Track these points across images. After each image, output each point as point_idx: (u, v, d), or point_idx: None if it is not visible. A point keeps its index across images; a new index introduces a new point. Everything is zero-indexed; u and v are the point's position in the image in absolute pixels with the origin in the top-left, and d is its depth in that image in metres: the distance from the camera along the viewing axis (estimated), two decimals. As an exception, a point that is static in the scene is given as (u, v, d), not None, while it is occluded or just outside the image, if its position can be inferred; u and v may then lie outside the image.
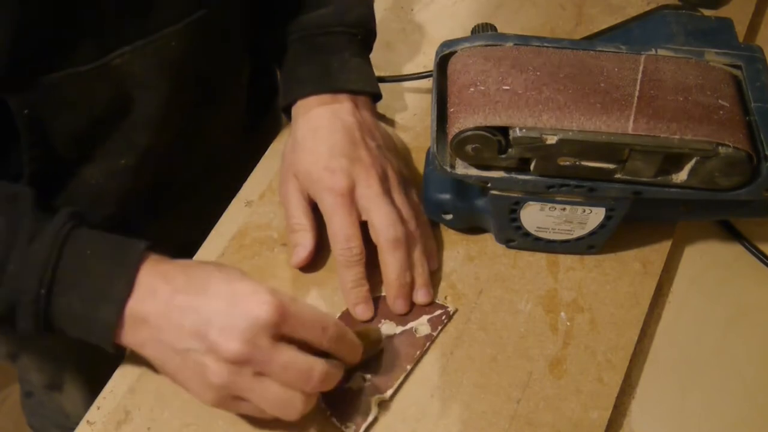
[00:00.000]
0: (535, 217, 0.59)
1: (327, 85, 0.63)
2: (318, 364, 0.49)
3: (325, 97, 0.63)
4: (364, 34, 0.68)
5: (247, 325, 0.47)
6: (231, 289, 0.49)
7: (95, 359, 0.81)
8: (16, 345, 0.88)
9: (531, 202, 0.58)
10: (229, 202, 0.67)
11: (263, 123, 0.83)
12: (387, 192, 0.60)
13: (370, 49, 0.70)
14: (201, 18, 0.59)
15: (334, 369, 0.51)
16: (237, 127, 0.75)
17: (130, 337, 0.50)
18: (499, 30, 0.60)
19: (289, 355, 0.48)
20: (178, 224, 0.72)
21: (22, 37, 0.51)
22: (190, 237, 0.64)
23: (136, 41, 0.57)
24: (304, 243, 0.61)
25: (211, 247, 0.64)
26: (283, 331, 0.48)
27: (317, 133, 0.61)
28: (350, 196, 0.59)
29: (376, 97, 0.67)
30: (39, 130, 0.56)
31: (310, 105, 0.63)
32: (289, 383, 0.48)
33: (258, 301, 0.47)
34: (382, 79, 0.70)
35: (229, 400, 0.49)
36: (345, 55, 0.65)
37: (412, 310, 0.60)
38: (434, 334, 0.59)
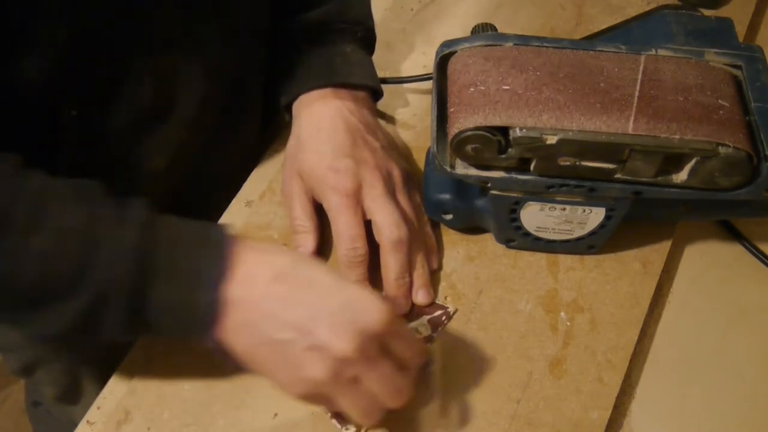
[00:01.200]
0: (535, 217, 0.59)
1: (328, 78, 0.63)
2: (409, 384, 0.50)
3: (326, 92, 0.63)
4: (364, 31, 0.68)
5: (361, 328, 0.46)
6: (342, 288, 0.48)
7: (110, 371, 0.81)
8: (31, 359, 0.88)
9: (531, 202, 0.58)
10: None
11: (273, 122, 0.83)
12: (391, 192, 0.60)
13: (371, 47, 0.70)
14: (242, 23, 0.61)
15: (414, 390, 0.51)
16: (257, 130, 0.76)
17: (227, 322, 0.47)
18: (499, 30, 0.60)
19: (390, 369, 0.48)
20: None
21: (80, 35, 0.50)
22: None
23: (183, 42, 0.57)
24: (306, 245, 0.61)
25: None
26: (386, 342, 0.48)
27: (320, 133, 0.61)
28: (356, 196, 0.59)
29: (377, 94, 0.67)
30: (83, 132, 0.56)
31: (311, 101, 0.63)
32: (380, 394, 0.48)
33: (375, 308, 0.47)
34: (384, 80, 0.70)
35: (316, 395, 0.49)
36: (346, 50, 0.65)
37: (413, 311, 0.60)
38: (434, 334, 0.59)
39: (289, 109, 0.66)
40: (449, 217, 0.62)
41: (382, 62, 0.76)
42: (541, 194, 0.56)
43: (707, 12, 0.67)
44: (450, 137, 0.53)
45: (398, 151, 0.67)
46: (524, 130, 0.51)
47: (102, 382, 0.91)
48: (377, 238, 0.59)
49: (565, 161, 0.53)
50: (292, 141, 0.64)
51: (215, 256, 0.47)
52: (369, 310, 0.47)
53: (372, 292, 0.49)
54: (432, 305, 0.60)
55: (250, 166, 0.71)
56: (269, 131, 0.75)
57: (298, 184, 0.62)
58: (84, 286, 0.45)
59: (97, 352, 0.84)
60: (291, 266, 0.49)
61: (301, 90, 0.64)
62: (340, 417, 0.54)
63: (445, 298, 0.61)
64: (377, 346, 0.47)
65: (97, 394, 0.93)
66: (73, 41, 0.50)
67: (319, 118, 0.62)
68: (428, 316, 0.60)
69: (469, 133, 0.52)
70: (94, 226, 0.46)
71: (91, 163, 0.58)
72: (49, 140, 0.55)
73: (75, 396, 0.94)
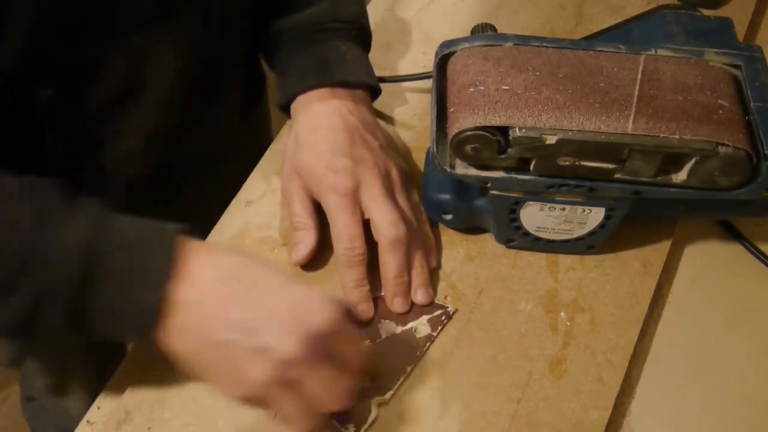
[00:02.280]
0: (534, 217, 0.59)
1: (325, 78, 0.63)
2: (351, 387, 0.49)
3: (324, 92, 0.63)
4: (359, 30, 0.68)
5: (306, 329, 0.46)
6: (288, 288, 0.48)
7: (101, 362, 0.81)
8: (19, 350, 0.88)
9: (531, 202, 0.58)
10: (229, 200, 0.67)
11: (256, 110, 0.83)
12: (390, 192, 0.60)
13: (367, 45, 0.70)
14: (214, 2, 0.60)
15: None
16: (235, 112, 0.75)
17: (170, 323, 0.47)
18: (499, 30, 0.60)
19: (332, 371, 0.48)
20: (179, 219, 0.72)
21: (50, 15, 0.50)
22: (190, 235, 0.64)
23: (155, 21, 0.57)
24: (306, 241, 0.61)
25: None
26: (330, 343, 0.48)
27: (318, 132, 0.61)
28: (354, 196, 0.58)
29: (375, 92, 0.67)
30: (58, 113, 0.56)
31: (309, 101, 0.63)
32: (322, 397, 0.48)
33: (321, 308, 0.47)
34: (383, 79, 0.70)
35: (257, 398, 0.48)
36: (341, 49, 0.65)
37: (412, 310, 0.60)
38: (434, 334, 0.59)
39: (287, 109, 0.66)
40: (449, 217, 0.62)
41: (382, 62, 0.76)
42: (541, 194, 0.56)
43: (707, 12, 0.67)
44: (450, 137, 0.53)
45: (397, 151, 0.67)
46: (524, 130, 0.51)
47: (92, 371, 0.92)
48: (376, 237, 0.59)
49: (564, 161, 0.53)
50: (291, 140, 0.64)
51: (162, 256, 0.47)
52: (315, 311, 0.47)
53: (320, 292, 0.48)
54: (432, 305, 0.60)
55: (230, 147, 0.71)
56: (255, 115, 0.75)
57: (297, 183, 0.62)
58: (27, 282, 0.45)
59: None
60: (238, 267, 0.48)
61: (298, 90, 0.64)
62: (340, 417, 0.55)
63: (445, 297, 0.61)
64: (322, 348, 0.47)
65: (88, 384, 0.94)
66: (44, 21, 0.50)
67: (317, 118, 0.62)
68: (428, 316, 0.60)
69: (469, 133, 0.52)
70: (40, 223, 0.45)
71: (66, 145, 0.58)
72: (24, 121, 0.55)
73: (65, 386, 0.94)
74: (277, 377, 0.46)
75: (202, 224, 0.65)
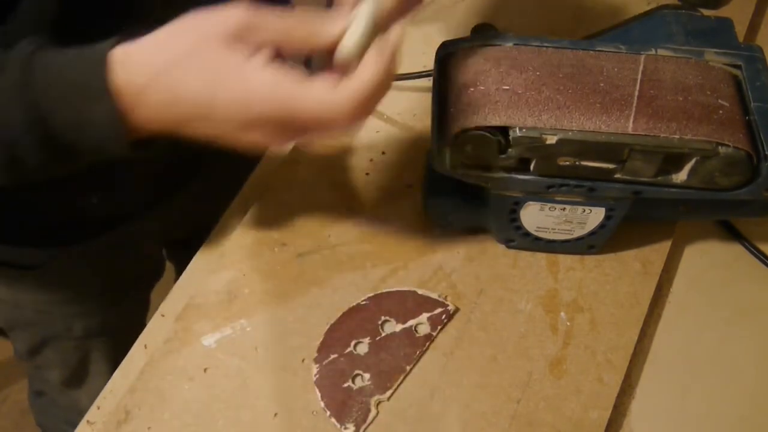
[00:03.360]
0: (535, 217, 0.59)
1: None
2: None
3: None
4: None
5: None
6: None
7: (117, 348, 0.80)
8: (40, 337, 0.88)
9: (531, 202, 0.58)
10: (226, 199, 0.67)
11: None
12: None
13: None
14: None
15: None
16: None
17: (142, 111, 0.45)
18: (499, 30, 0.60)
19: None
20: (181, 215, 0.72)
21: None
22: (190, 233, 0.64)
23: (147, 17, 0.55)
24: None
25: (211, 247, 0.64)
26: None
27: None
28: None
29: None
30: None
31: None
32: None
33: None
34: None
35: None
36: None
37: (413, 309, 0.60)
38: (434, 333, 0.59)
39: None
40: (449, 217, 0.62)
41: (382, 62, 0.76)
42: (541, 194, 0.56)
43: (707, 12, 0.67)
44: (450, 137, 0.53)
45: None
46: (524, 130, 0.51)
47: (111, 360, 0.92)
48: None
49: (564, 161, 0.53)
50: None
51: (98, 62, 0.45)
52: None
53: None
54: (432, 303, 0.60)
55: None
56: None
57: None
58: None
59: (106, 322, 0.85)
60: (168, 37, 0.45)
61: None
62: (340, 417, 0.55)
63: (445, 297, 0.61)
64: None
65: (106, 373, 0.94)
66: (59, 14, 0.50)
67: None
68: (428, 314, 0.60)
69: (469, 133, 0.52)
70: None
71: None
72: None
73: (82, 377, 0.94)
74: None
75: (205, 218, 0.64)
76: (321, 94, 0.44)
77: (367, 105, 0.45)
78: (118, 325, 0.87)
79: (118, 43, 0.46)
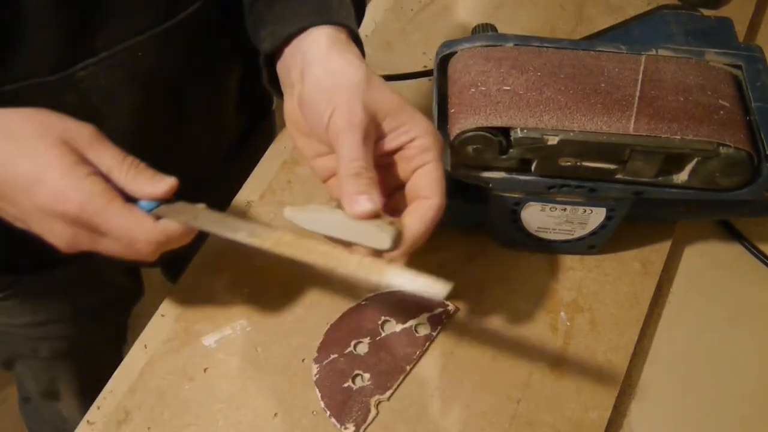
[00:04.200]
0: (535, 217, 0.59)
1: (325, 16, 0.51)
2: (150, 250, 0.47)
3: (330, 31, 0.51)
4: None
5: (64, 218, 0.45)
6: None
7: (90, 368, 0.79)
8: (9, 354, 0.88)
9: (532, 203, 0.58)
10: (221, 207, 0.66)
11: (258, 128, 0.81)
12: None
13: (359, 18, 0.57)
14: (168, 29, 0.56)
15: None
16: (226, 137, 0.74)
17: None
18: (499, 30, 0.60)
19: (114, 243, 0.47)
20: None
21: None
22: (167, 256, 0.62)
23: (100, 53, 0.55)
24: (373, 194, 0.46)
25: (211, 247, 0.64)
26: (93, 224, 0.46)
27: (362, 67, 0.49)
28: None
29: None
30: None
31: (319, 40, 0.50)
32: (122, 253, 0.47)
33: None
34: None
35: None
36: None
37: (412, 309, 0.60)
38: (434, 333, 0.59)
39: (272, 58, 0.53)
40: (450, 217, 0.62)
41: (382, 62, 0.76)
42: (542, 195, 0.56)
43: (707, 12, 0.67)
44: (451, 138, 0.53)
45: None
46: (525, 131, 0.51)
47: (82, 380, 0.92)
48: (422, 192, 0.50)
49: (566, 162, 0.53)
50: (314, 75, 0.49)
51: None
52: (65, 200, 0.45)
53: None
54: (432, 303, 0.60)
55: (228, 175, 0.69)
56: (263, 138, 0.74)
57: (361, 116, 0.46)
58: None
59: (74, 345, 0.85)
60: None
61: (295, 30, 0.51)
62: (339, 416, 0.55)
63: (445, 297, 0.61)
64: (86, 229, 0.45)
65: (78, 393, 0.94)
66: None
67: (352, 55, 0.50)
68: (428, 314, 0.60)
69: (470, 133, 0.52)
70: None
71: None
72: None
73: (56, 393, 0.94)
74: (73, 243, 0.46)
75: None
76: (124, 215, 0.46)
77: (163, 246, 0.47)
78: (88, 348, 0.87)
79: None
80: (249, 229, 0.47)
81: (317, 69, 0.49)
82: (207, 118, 0.69)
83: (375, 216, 0.45)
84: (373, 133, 0.48)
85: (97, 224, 0.45)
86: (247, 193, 0.67)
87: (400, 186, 0.49)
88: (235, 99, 0.72)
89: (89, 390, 0.92)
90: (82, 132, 0.46)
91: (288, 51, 0.51)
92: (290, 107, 0.52)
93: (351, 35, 0.51)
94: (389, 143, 0.48)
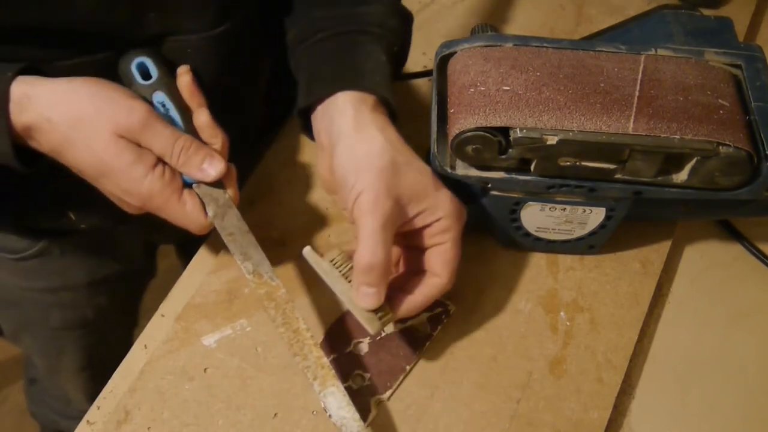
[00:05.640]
0: (535, 217, 0.59)
1: (357, 84, 0.55)
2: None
3: (359, 97, 0.55)
4: (400, 46, 0.61)
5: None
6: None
7: (97, 343, 0.80)
8: (20, 321, 0.89)
9: (531, 203, 0.58)
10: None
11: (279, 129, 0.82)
12: None
13: (401, 67, 0.63)
14: (221, 33, 0.59)
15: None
16: (252, 134, 0.75)
17: (36, 145, 0.51)
18: (499, 30, 0.60)
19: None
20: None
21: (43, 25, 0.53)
22: (182, 237, 0.63)
23: (148, 45, 0.57)
24: (379, 290, 0.51)
25: (211, 247, 0.64)
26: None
27: (394, 144, 0.54)
28: None
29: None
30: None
31: (344, 108, 0.55)
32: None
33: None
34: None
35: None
36: (381, 59, 0.58)
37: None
38: (433, 333, 0.59)
39: (307, 112, 0.58)
40: (449, 217, 0.62)
41: (382, 62, 0.76)
42: (542, 194, 0.56)
43: (707, 12, 0.67)
44: (450, 138, 0.53)
45: None
46: (525, 131, 0.51)
47: (88, 356, 0.93)
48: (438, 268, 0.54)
49: (565, 162, 0.53)
50: (344, 150, 0.53)
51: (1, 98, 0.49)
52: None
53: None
54: (432, 303, 0.60)
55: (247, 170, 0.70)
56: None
57: (387, 208, 0.50)
58: None
59: (84, 317, 0.87)
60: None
61: (332, 90, 0.55)
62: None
63: (445, 297, 0.61)
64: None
65: (83, 368, 0.95)
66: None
67: (385, 128, 0.54)
68: (428, 314, 0.60)
69: (470, 133, 0.52)
70: None
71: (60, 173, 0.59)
72: None
73: (59, 367, 0.95)
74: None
75: None
76: (179, 211, 0.53)
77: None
78: (98, 323, 0.89)
79: (20, 72, 0.50)
80: (255, 262, 0.54)
81: (343, 148, 0.53)
82: (240, 116, 0.71)
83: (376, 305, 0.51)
84: (397, 216, 0.51)
85: (157, 212, 0.53)
86: (247, 193, 0.67)
87: (421, 248, 0.54)
88: (263, 92, 0.73)
89: (95, 365, 0.94)
90: (132, 118, 0.50)
91: (320, 109, 0.57)
92: (321, 168, 0.58)
93: (381, 100, 0.56)
94: (414, 224, 0.53)
